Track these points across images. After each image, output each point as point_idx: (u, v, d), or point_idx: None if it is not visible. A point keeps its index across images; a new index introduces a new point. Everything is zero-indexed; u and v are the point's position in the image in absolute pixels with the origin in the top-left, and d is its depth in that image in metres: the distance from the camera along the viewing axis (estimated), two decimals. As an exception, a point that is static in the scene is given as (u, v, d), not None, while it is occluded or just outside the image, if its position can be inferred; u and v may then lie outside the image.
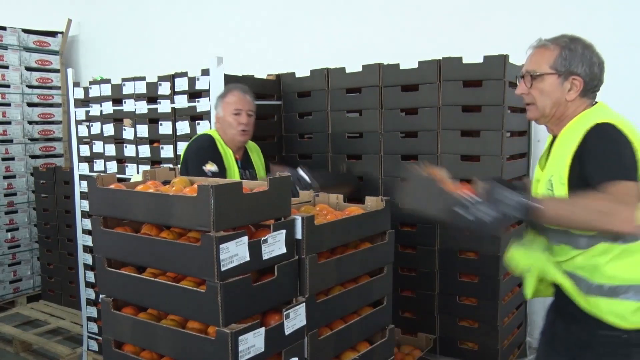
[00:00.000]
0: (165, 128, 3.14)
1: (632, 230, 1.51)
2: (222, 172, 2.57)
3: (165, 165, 3.01)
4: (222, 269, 1.54)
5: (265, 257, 1.70)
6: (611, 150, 1.59)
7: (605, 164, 1.58)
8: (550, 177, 1.70)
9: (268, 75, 3.53)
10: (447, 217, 1.59)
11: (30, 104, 5.16)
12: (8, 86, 4.97)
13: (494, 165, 2.75)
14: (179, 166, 2.57)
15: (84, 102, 3.63)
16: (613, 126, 1.61)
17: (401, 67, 2.98)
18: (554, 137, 1.80)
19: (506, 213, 1.54)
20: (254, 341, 1.63)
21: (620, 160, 1.58)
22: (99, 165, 3.53)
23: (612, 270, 1.64)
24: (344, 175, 3.10)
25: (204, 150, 2.59)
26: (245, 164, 2.81)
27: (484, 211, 1.54)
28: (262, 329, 1.66)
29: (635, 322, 1.63)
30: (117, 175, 2.21)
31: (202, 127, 2.96)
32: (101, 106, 3.48)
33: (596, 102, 1.79)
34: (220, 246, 1.52)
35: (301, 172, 2.70)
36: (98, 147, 3.52)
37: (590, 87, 1.73)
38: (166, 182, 2.02)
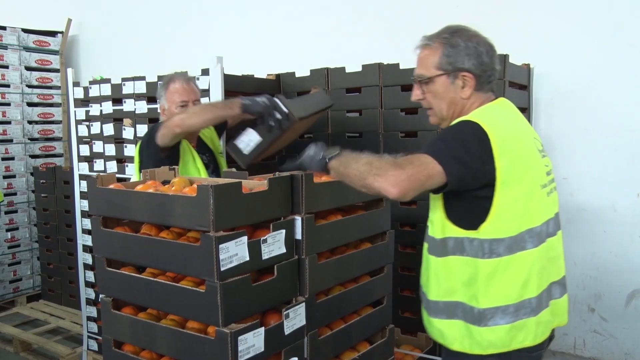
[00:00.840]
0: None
1: (393, 195, 1.44)
2: (177, 162, 2.44)
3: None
4: (222, 269, 1.54)
5: (265, 257, 1.69)
6: (449, 138, 1.52)
7: (430, 144, 1.53)
8: None
9: (268, 75, 3.53)
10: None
11: (30, 104, 5.16)
12: (8, 86, 4.97)
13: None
14: (176, 168, 2.54)
15: (84, 102, 3.62)
16: (472, 123, 1.52)
17: (401, 67, 2.98)
18: None
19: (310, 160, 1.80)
20: (253, 341, 1.63)
21: (446, 145, 1.49)
22: (98, 165, 3.53)
23: None
24: (319, 98, 2.71)
25: (154, 139, 2.39)
26: (202, 149, 2.64)
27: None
28: (262, 329, 1.66)
29: None
30: (117, 175, 2.20)
31: (202, 127, 2.95)
32: (101, 106, 3.47)
33: (497, 98, 1.70)
34: (220, 246, 1.52)
35: (278, 102, 2.26)
36: (98, 146, 3.52)
37: (485, 79, 1.64)
38: (166, 182, 2.02)
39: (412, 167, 1.44)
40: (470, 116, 1.56)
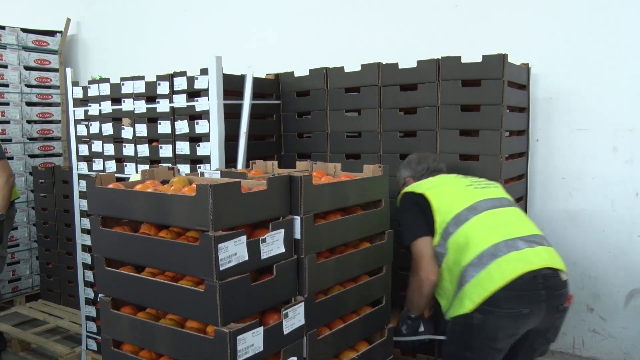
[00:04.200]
0: (164, 127, 3.14)
1: (435, 279, 2.16)
2: None
3: (164, 164, 3.01)
4: (221, 269, 1.54)
5: (264, 256, 1.70)
6: (401, 219, 2.31)
7: (401, 232, 2.28)
8: None
9: (267, 74, 3.53)
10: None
11: (29, 103, 5.15)
12: (7, 85, 4.96)
13: (493, 165, 2.76)
14: (178, 166, 2.56)
15: (83, 102, 3.62)
16: (404, 194, 2.34)
17: (400, 67, 2.98)
18: None
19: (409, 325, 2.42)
20: (252, 340, 1.63)
21: (406, 225, 2.27)
22: (98, 164, 3.52)
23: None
24: None
25: None
26: None
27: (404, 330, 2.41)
28: (261, 329, 1.66)
29: None
30: (116, 175, 2.20)
31: (201, 127, 2.96)
32: (100, 105, 3.47)
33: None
34: (219, 245, 1.52)
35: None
36: (97, 146, 3.52)
37: (421, 175, 2.52)
38: (165, 182, 2.02)
39: (422, 260, 2.19)
40: (404, 190, 2.39)
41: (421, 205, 2.21)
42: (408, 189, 2.32)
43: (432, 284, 2.15)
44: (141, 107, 3.23)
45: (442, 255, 2.17)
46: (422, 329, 2.41)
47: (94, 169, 3.55)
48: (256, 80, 3.42)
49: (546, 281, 2.01)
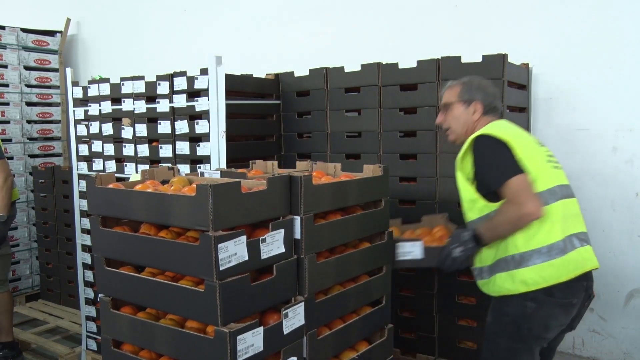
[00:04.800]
0: (164, 127, 3.14)
1: (542, 214, 1.95)
2: None
3: (164, 164, 3.01)
4: (221, 269, 1.54)
5: (264, 256, 1.70)
6: (491, 160, 2.04)
7: (493, 172, 2.02)
8: (460, 187, 2.16)
9: (267, 74, 3.53)
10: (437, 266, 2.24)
11: (29, 103, 5.15)
12: (7, 85, 4.96)
13: (493, 165, 2.76)
14: (177, 166, 2.56)
15: (83, 102, 3.62)
16: (486, 137, 2.05)
17: (400, 67, 2.98)
18: None
19: (466, 248, 2.11)
20: (252, 340, 1.63)
21: (500, 164, 2.01)
22: (97, 164, 3.52)
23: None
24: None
25: None
26: None
27: (457, 250, 2.13)
28: (261, 329, 1.66)
29: None
30: (116, 175, 2.20)
31: (201, 127, 2.96)
32: (100, 105, 3.47)
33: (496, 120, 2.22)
34: (219, 245, 1.52)
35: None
36: (97, 146, 3.52)
37: (490, 108, 2.22)
38: (165, 182, 2.02)
39: (522, 191, 1.95)
40: (481, 131, 2.08)
41: (510, 151, 2.01)
42: (487, 131, 2.06)
43: (534, 220, 1.95)
44: (141, 107, 3.23)
45: None
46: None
47: (94, 169, 3.55)
48: (256, 80, 3.43)
49: (588, 272, 2.08)
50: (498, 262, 2.07)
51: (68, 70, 3.66)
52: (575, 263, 2.00)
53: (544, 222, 1.98)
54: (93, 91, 3.51)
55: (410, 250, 2.32)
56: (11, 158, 4.94)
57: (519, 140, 2.05)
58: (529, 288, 1.98)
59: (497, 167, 2.01)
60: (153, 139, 3.23)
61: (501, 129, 2.09)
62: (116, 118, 3.41)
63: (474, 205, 2.11)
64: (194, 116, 3.02)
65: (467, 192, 2.12)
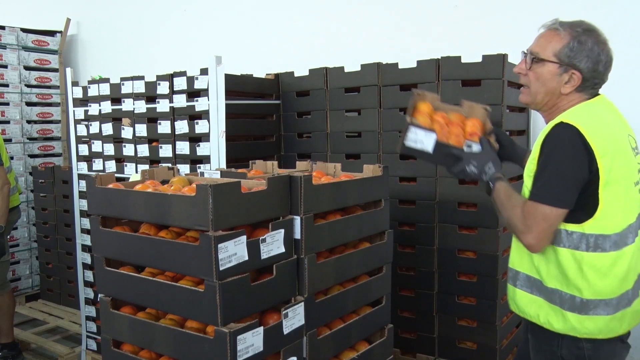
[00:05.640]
0: (164, 127, 3.14)
1: (532, 251, 1.66)
2: None
3: (164, 164, 3.01)
4: (221, 269, 1.54)
5: (263, 256, 1.70)
6: (554, 166, 1.58)
7: (541, 181, 1.61)
8: (526, 171, 1.73)
9: (267, 74, 3.53)
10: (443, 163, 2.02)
11: (29, 103, 5.15)
12: (7, 85, 4.96)
13: (493, 165, 2.75)
14: (177, 166, 2.56)
15: (83, 102, 3.62)
16: (570, 129, 1.57)
17: (400, 67, 2.98)
18: None
19: (481, 175, 1.86)
20: (252, 340, 1.63)
21: (555, 181, 1.58)
22: (97, 164, 3.52)
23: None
24: None
25: None
26: None
27: (472, 166, 1.87)
28: (261, 329, 1.66)
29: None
30: (116, 175, 2.20)
31: (201, 127, 2.96)
32: (100, 105, 3.47)
33: (591, 98, 1.73)
34: (219, 245, 1.52)
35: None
36: (97, 146, 3.52)
37: (590, 84, 1.68)
38: (165, 182, 2.02)
39: (537, 226, 1.60)
40: (568, 118, 1.59)
41: (589, 162, 1.56)
42: (576, 121, 1.57)
43: (533, 251, 1.65)
44: (141, 107, 3.23)
45: (566, 247, 1.64)
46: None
47: (93, 169, 3.55)
48: (256, 80, 3.43)
49: None
50: (551, 291, 1.68)
51: (68, 70, 3.66)
52: (637, 314, 1.71)
53: (620, 268, 1.62)
54: (93, 91, 3.51)
55: (422, 139, 2.02)
56: (11, 158, 4.93)
57: (615, 152, 1.59)
58: (579, 335, 1.65)
59: (547, 177, 1.60)
60: (153, 139, 3.23)
61: (599, 124, 1.60)
62: (116, 118, 3.41)
63: None
64: (193, 116, 3.02)
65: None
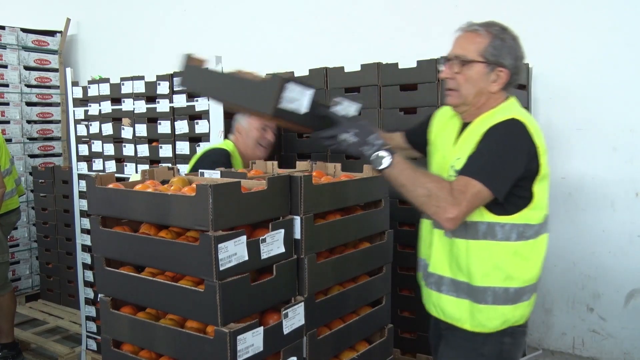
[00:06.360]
0: (164, 127, 3.14)
1: (447, 227, 1.59)
2: None
3: (164, 164, 3.01)
4: (221, 269, 1.54)
5: (263, 256, 1.69)
6: (497, 150, 1.59)
7: (478, 160, 1.60)
8: (455, 161, 1.70)
9: (267, 74, 3.53)
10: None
11: (29, 103, 5.15)
12: (7, 85, 4.97)
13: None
14: (178, 166, 2.56)
15: (83, 102, 3.62)
16: (517, 122, 1.62)
17: (400, 67, 2.98)
18: (465, 124, 1.79)
19: (363, 145, 1.63)
20: (252, 340, 1.63)
21: (495, 162, 1.57)
22: (97, 164, 3.53)
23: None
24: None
25: (219, 165, 2.41)
26: None
27: (352, 134, 1.65)
28: (261, 329, 1.66)
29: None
30: (116, 175, 2.20)
31: (201, 127, 2.96)
32: (100, 105, 3.47)
33: (509, 96, 1.77)
34: (219, 245, 1.52)
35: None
36: (97, 146, 3.52)
37: (513, 81, 1.71)
38: (165, 182, 2.02)
39: (467, 202, 1.55)
40: (517, 115, 1.64)
41: (531, 157, 1.60)
42: (528, 123, 1.62)
43: (446, 226, 1.58)
44: (141, 107, 3.23)
45: (500, 239, 1.66)
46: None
47: (93, 169, 3.55)
48: (256, 80, 3.42)
49: None
50: (482, 291, 1.69)
51: (68, 70, 3.66)
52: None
53: (540, 252, 1.72)
54: (93, 91, 3.51)
55: (298, 98, 1.68)
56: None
57: (545, 149, 1.67)
58: (511, 325, 1.72)
59: (486, 158, 1.58)
60: (153, 139, 3.23)
61: (534, 122, 1.68)
62: (116, 118, 3.41)
63: None
64: (193, 116, 3.02)
65: None
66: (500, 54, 1.67)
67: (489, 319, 1.69)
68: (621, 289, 3.35)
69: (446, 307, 1.77)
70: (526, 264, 1.68)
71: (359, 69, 3.11)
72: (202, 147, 2.95)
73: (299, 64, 3.53)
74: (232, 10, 4.72)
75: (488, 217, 1.66)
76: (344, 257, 2.03)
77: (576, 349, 3.53)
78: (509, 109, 1.69)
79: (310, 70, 3.32)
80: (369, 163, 1.68)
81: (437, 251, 1.79)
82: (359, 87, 3.12)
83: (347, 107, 1.75)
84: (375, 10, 3.98)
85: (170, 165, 2.37)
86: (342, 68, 3.19)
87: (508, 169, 1.57)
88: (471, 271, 1.69)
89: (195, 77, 1.82)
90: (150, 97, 3.20)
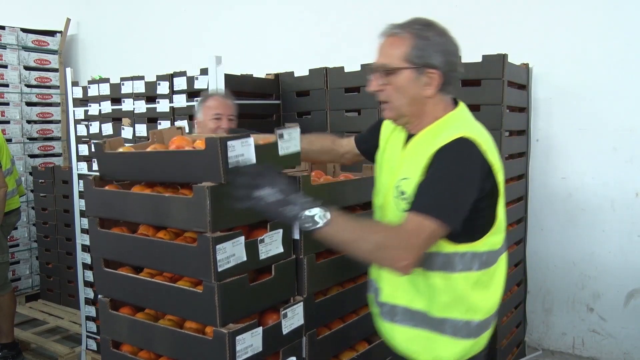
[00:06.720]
0: (164, 127, 3.14)
1: (406, 274, 1.40)
2: None
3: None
4: (219, 270, 1.54)
5: (262, 256, 1.69)
6: (448, 178, 1.40)
7: (429, 192, 1.40)
8: (400, 181, 1.51)
9: (267, 74, 3.53)
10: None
11: (29, 103, 5.15)
12: (7, 85, 4.97)
13: (493, 165, 2.75)
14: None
15: (83, 102, 3.62)
16: (467, 143, 1.42)
17: (400, 67, 2.97)
18: (410, 135, 1.59)
19: (286, 204, 1.38)
20: (251, 341, 1.63)
21: (447, 193, 1.39)
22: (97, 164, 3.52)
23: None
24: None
25: None
26: None
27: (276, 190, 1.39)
28: (260, 329, 1.66)
29: None
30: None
31: (201, 127, 2.95)
32: (100, 105, 3.47)
33: (457, 102, 1.60)
34: (217, 247, 1.52)
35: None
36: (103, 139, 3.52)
37: (449, 80, 1.51)
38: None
39: (421, 244, 1.37)
40: (465, 132, 1.44)
41: (485, 177, 1.43)
42: (479, 140, 1.43)
43: (403, 273, 1.40)
44: (141, 107, 3.23)
45: (461, 270, 1.49)
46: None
47: (93, 169, 3.55)
48: (256, 80, 3.42)
49: None
50: (441, 322, 1.51)
51: (68, 70, 3.66)
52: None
53: (500, 279, 1.56)
54: (93, 91, 3.51)
55: (241, 153, 1.57)
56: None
57: (500, 164, 1.49)
58: (470, 357, 1.56)
59: (441, 191, 1.40)
60: (153, 139, 3.23)
61: (487, 136, 1.50)
62: (116, 118, 3.41)
63: None
64: (193, 116, 3.02)
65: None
66: (427, 54, 1.47)
67: (447, 351, 1.52)
68: (621, 289, 3.35)
69: (400, 340, 1.59)
70: (487, 293, 1.52)
71: (359, 69, 3.11)
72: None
73: (299, 63, 3.53)
74: (232, 10, 4.72)
75: (446, 247, 1.46)
76: (343, 257, 2.03)
77: (576, 349, 3.53)
78: (457, 122, 1.51)
79: (310, 70, 3.32)
80: (289, 224, 1.51)
81: (386, 279, 1.61)
82: (359, 87, 3.12)
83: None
84: (375, 10, 3.97)
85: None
86: (342, 68, 3.19)
87: (462, 197, 1.40)
88: (426, 301, 1.52)
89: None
90: (150, 97, 3.20)
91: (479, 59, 2.77)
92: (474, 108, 2.76)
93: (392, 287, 1.59)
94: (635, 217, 3.26)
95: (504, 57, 2.73)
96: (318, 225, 1.37)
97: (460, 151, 1.42)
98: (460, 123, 1.50)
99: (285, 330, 1.77)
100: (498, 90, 2.72)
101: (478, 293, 1.50)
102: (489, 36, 3.51)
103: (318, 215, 1.37)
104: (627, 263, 3.31)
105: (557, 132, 3.44)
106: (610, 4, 3.23)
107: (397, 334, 1.59)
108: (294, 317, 1.80)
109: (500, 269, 1.56)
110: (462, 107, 1.59)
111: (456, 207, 1.39)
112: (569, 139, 3.41)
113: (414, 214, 1.38)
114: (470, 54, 2.83)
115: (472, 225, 1.44)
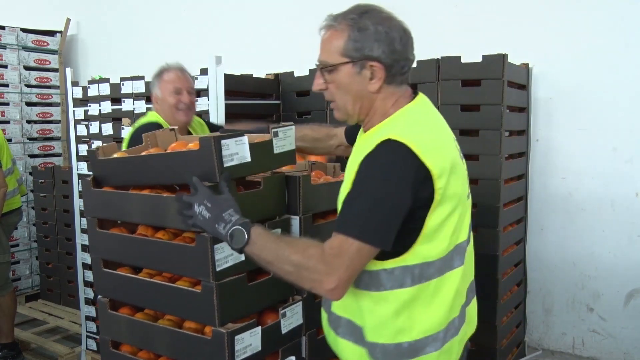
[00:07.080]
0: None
1: (333, 299, 1.36)
2: None
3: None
4: (218, 269, 1.53)
5: (261, 256, 1.69)
6: (372, 190, 1.26)
7: (351, 208, 1.29)
8: (342, 188, 1.41)
9: (267, 74, 3.53)
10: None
11: (28, 103, 5.15)
12: (7, 85, 4.97)
13: (493, 165, 2.75)
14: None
15: (83, 102, 3.62)
16: (404, 150, 1.26)
17: (399, 67, 2.97)
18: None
19: (217, 222, 1.36)
20: (250, 340, 1.62)
21: (371, 209, 1.24)
22: (97, 164, 3.52)
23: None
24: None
25: None
26: None
27: (204, 208, 1.38)
28: (259, 328, 1.66)
29: None
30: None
31: (200, 127, 2.96)
32: (100, 105, 3.47)
33: (416, 93, 1.47)
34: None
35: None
36: (97, 146, 3.52)
37: (397, 71, 1.38)
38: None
39: (345, 266, 1.24)
40: (396, 133, 1.29)
41: (420, 186, 1.26)
42: (412, 142, 1.27)
43: (332, 298, 1.36)
44: (141, 107, 3.23)
45: (389, 288, 1.36)
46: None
47: (93, 169, 3.55)
48: (256, 80, 3.42)
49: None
50: (372, 345, 1.40)
51: (68, 70, 3.66)
52: (463, 341, 1.52)
53: (444, 295, 1.38)
54: (93, 91, 3.51)
55: (235, 152, 1.55)
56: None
57: (451, 167, 1.32)
58: None
59: (365, 205, 1.26)
60: (152, 139, 3.23)
61: (431, 136, 1.34)
62: (116, 118, 3.41)
63: None
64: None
65: None
66: (365, 45, 1.33)
67: None
68: (621, 289, 3.35)
69: (344, 353, 1.49)
70: (426, 311, 1.36)
71: (358, 68, 3.10)
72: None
73: (299, 63, 3.53)
74: (232, 10, 4.72)
75: (369, 265, 1.33)
76: (342, 257, 2.02)
77: (576, 349, 3.52)
78: (396, 121, 1.36)
79: (310, 71, 3.32)
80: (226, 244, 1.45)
81: None
82: (358, 87, 3.11)
83: (284, 137, 1.60)
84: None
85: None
86: (342, 68, 3.18)
87: (388, 212, 1.25)
88: (362, 320, 1.41)
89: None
90: (150, 97, 3.20)
91: (479, 59, 2.77)
92: (474, 108, 2.79)
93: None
94: (635, 217, 3.26)
95: (504, 57, 2.73)
96: (240, 246, 1.33)
97: (386, 156, 1.27)
98: (398, 122, 1.36)
99: (284, 330, 1.76)
100: (498, 90, 2.72)
101: (412, 311, 1.36)
102: (489, 36, 3.51)
103: (237, 235, 1.32)
104: (627, 263, 3.31)
105: (557, 132, 3.44)
106: (610, 4, 3.22)
107: (340, 346, 1.50)
108: (293, 317, 1.80)
109: (448, 283, 1.38)
110: (417, 101, 1.44)
111: (381, 224, 1.25)
112: (569, 139, 3.41)
113: (335, 232, 1.28)
114: (470, 54, 2.84)
115: (398, 237, 1.28)
